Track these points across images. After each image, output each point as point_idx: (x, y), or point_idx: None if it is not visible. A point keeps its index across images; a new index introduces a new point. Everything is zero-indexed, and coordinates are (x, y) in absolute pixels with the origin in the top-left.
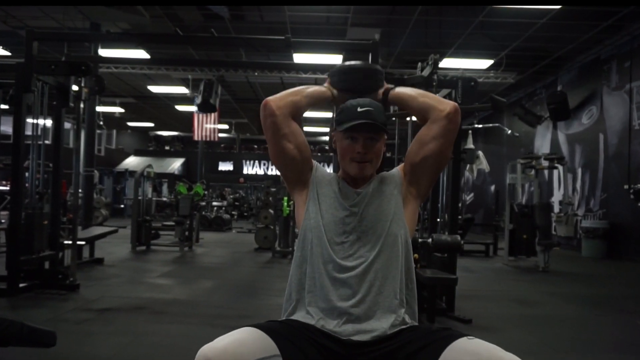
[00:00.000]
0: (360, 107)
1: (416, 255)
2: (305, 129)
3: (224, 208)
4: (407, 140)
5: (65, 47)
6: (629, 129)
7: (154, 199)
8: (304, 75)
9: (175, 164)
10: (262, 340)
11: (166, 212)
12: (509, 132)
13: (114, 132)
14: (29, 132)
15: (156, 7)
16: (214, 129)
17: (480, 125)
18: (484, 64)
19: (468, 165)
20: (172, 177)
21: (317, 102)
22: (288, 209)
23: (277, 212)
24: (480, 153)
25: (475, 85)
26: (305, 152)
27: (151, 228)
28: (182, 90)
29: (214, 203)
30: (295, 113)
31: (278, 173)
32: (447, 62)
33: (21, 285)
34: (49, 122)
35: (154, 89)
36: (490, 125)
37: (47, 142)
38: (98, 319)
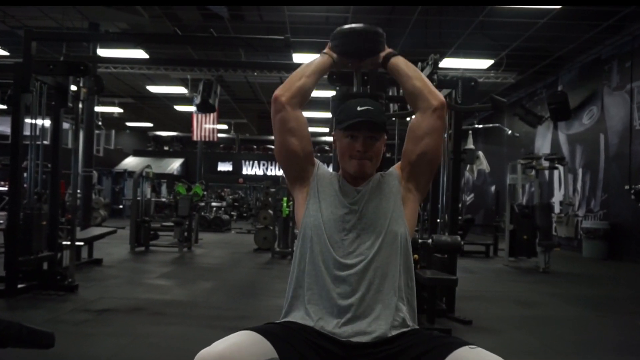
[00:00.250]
0: (360, 107)
1: (416, 256)
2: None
3: (223, 208)
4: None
5: (64, 47)
6: (629, 129)
7: (152, 199)
8: None
9: (174, 165)
10: (260, 344)
11: (165, 213)
12: (510, 132)
13: (113, 132)
14: (27, 132)
15: (155, 7)
16: (213, 129)
17: (481, 126)
18: (484, 63)
19: (468, 166)
20: (171, 178)
21: (321, 75)
22: (287, 209)
23: (276, 212)
24: (480, 153)
25: (476, 85)
26: (307, 148)
27: (150, 229)
28: (181, 90)
29: (213, 204)
30: (304, 97)
31: (278, 174)
32: (447, 62)
33: (19, 286)
34: (47, 123)
35: (153, 89)
36: (491, 125)
37: (45, 142)
38: (96, 320)
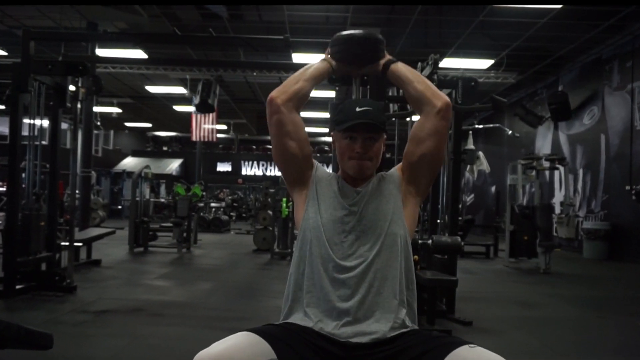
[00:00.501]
0: (359, 107)
1: (416, 256)
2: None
3: (222, 209)
4: (407, 141)
5: (62, 46)
6: (630, 129)
7: (151, 200)
8: None
9: (173, 165)
10: (258, 345)
11: (164, 214)
12: (510, 132)
13: (112, 132)
14: (25, 132)
15: (154, 7)
16: (212, 129)
17: (481, 126)
18: (485, 63)
19: (468, 166)
20: (170, 178)
21: (319, 81)
22: (287, 210)
23: (275, 213)
24: (480, 154)
25: (476, 85)
26: (306, 150)
27: (149, 229)
28: (180, 90)
29: (213, 204)
30: (301, 101)
31: (277, 174)
32: (447, 62)
33: (18, 287)
34: (45, 123)
35: (152, 89)
36: (491, 125)
37: (43, 142)
38: (95, 321)
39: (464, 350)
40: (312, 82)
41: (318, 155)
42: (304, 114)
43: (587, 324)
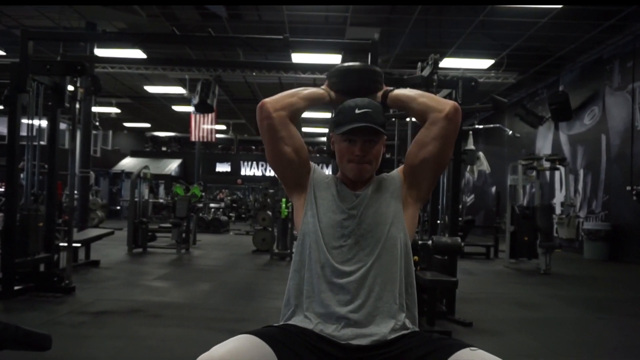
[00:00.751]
0: (359, 109)
1: (416, 257)
2: (304, 129)
3: (221, 210)
4: (407, 141)
5: (61, 46)
6: (631, 129)
7: (150, 200)
8: (302, 75)
9: (172, 165)
10: (259, 348)
11: (163, 214)
12: (510, 132)
13: (110, 132)
14: (23, 132)
15: (153, 7)
16: (211, 129)
17: (481, 126)
18: (485, 63)
19: (469, 167)
20: (169, 179)
21: (314, 104)
22: (286, 210)
23: (275, 213)
24: (481, 154)
25: (476, 85)
26: (303, 155)
27: (148, 230)
28: (179, 90)
29: (212, 205)
30: (293, 115)
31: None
32: (447, 62)
33: (16, 287)
34: (44, 123)
35: (151, 89)
36: (491, 125)
37: (42, 143)
38: (94, 322)
39: (465, 353)
40: (306, 101)
41: (317, 155)
42: (304, 114)
43: (587, 325)
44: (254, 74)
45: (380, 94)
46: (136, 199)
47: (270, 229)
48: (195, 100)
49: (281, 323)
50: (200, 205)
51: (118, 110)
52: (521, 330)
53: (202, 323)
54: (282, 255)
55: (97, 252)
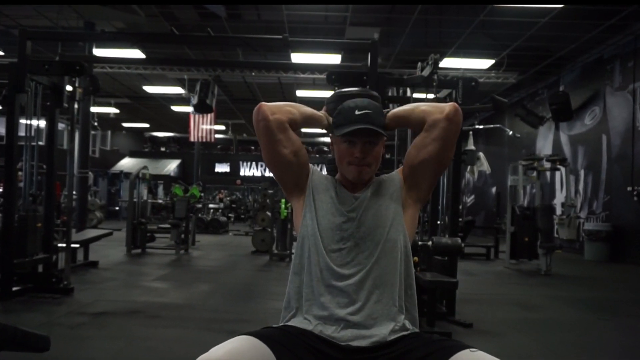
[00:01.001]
0: (359, 110)
1: (416, 258)
2: (304, 130)
3: (220, 210)
4: (407, 142)
5: (59, 46)
6: (632, 129)
7: (149, 201)
8: (302, 75)
9: (171, 166)
10: (258, 349)
11: (162, 215)
12: (511, 133)
13: (109, 133)
14: (22, 133)
15: (152, 6)
16: (211, 130)
17: (481, 126)
18: (485, 63)
19: (469, 167)
20: (167, 179)
21: (310, 124)
22: (286, 211)
23: (274, 214)
24: (481, 154)
25: (476, 85)
26: (301, 158)
27: (147, 231)
28: (178, 90)
29: (211, 205)
30: (290, 121)
31: None
32: (447, 62)
33: (14, 288)
34: (42, 123)
35: (150, 89)
36: (492, 126)
37: (40, 143)
38: (92, 323)
39: (465, 354)
40: (304, 118)
41: (317, 156)
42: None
43: (588, 326)
44: (253, 74)
45: None
46: (135, 200)
47: (269, 230)
48: (194, 101)
49: (280, 324)
50: (199, 205)
51: (117, 111)
52: (521, 331)
53: (201, 324)
54: (281, 256)
55: (96, 252)
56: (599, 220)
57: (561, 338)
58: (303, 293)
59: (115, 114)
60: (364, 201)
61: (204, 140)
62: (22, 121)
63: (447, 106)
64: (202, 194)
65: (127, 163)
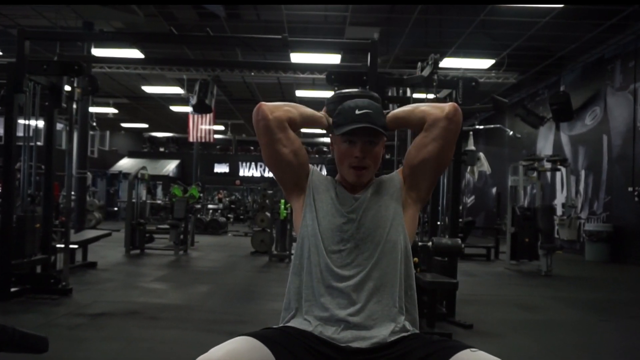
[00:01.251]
0: (359, 110)
1: (416, 259)
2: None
3: (219, 211)
4: (407, 142)
5: (58, 46)
6: (633, 130)
7: (148, 201)
8: (301, 75)
9: (170, 166)
10: (258, 350)
11: (161, 215)
12: (511, 133)
13: (108, 133)
14: (20, 133)
15: (151, 6)
16: (210, 130)
17: (482, 127)
18: (485, 63)
19: (469, 167)
20: (166, 179)
21: (310, 124)
22: (285, 211)
23: (274, 215)
24: (481, 155)
25: (477, 85)
26: (301, 157)
27: (145, 231)
28: (177, 90)
29: (210, 206)
30: (289, 121)
31: None
32: (447, 62)
33: (12, 289)
34: (40, 123)
35: (148, 89)
36: (492, 126)
37: (39, 143)
38: (91, 324)
39: (465, 354)
40: (304, 118)
41: (316, 156)
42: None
43: (589, 327)
44: (253, 74)
45: None
46: (134, 200)
47: (269, 230)
48: (194, 101)
49: (280, 325)
50: (198, 206)
51: (115, 111)
52: (522, 332)
53: (200, 325)
54: (280, 256)
55: (95, 253)
56: (599, 220)
57: (562, 339)
58: (303, 294)
59: (114, 114)
60: (364, 202)
61: (203, 140)
62: (21, 121)
63: (447, 106)
64: (201, 195)
65: (125, 163)
